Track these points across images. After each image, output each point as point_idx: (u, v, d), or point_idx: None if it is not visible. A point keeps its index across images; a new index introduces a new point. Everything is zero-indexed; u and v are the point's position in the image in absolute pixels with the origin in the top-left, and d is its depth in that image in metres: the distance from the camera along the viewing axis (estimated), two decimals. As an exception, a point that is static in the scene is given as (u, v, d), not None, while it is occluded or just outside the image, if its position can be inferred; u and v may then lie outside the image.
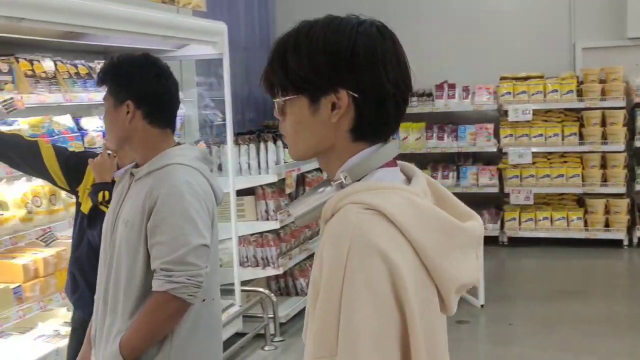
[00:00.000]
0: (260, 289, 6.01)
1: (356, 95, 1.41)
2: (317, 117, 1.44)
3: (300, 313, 6.47)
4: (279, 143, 6.19)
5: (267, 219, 5.96)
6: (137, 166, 2.67)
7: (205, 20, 5.52)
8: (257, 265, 6.01)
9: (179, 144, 2.68)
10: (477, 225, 1.49)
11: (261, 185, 5.96)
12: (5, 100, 3.87)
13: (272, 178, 5.96)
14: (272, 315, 5.87)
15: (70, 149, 3.87)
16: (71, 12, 3.93)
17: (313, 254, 6.98)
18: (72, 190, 3.42)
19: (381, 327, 1.29)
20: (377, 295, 1.28)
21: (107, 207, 2.84)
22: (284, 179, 6.10)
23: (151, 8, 5.01)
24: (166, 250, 2.42)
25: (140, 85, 2.54)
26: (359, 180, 1.43)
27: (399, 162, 1.54)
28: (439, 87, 9.05)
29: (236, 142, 6.00)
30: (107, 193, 3.07)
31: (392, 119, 1.47)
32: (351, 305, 1.28)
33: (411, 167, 1.55)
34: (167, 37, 5.02)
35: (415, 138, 9.21)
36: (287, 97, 1.46)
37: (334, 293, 1.30)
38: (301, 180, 6.70)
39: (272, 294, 5.96)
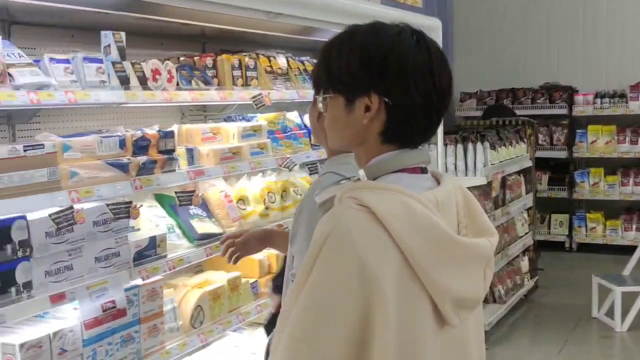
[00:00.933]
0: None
1: (387, 101, 1.48)
2: (351, 117, 1.53)
3: (501, 321, 6.20)
4: (486, 144, 5.96)
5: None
6: None
7: (422, 15, 5.39)
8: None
9: None
10: (485, 242, 1.50)
11: (468, 188, 5.74)
12: (255, 97, 3.88)
13: (480, 180, 5.75)
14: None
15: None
16: (324, 7, 3.89)
17: (512, 260, 6.69)
18: None
19: (328, 320, 1.35)
20: (336, 289, 1.35)
21: None
22: (490, 182, 5.87)
23: (374, 3, 4.92)
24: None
25: None
26: (375, 179, 1.50)
27: (433, 171, 1.59)
28: (634, 87, 8.50)
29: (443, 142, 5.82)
30: None
31: (422, 128, 1.52)
32: (311, 288, 1.37)
33: (444, 176, 1.59)
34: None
35: (605, 141, 8.72)
36: (327, 95, 1.57)
37: (304, 271, 1.39)
38: (502, 183, 6.44)
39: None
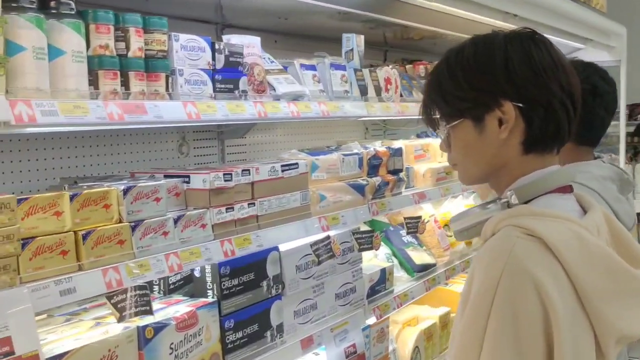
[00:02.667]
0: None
1: (521, 105, 1.38)
2: (485, 137, 1.42)
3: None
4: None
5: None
6: None
7: (608, 20, 4.89)
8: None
9: None
10: None
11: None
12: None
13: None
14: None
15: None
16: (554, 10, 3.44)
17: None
18: None
19: None
20: (523, 330, 1.24)
21: None
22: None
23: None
24: None
25: None
26: (527, 202, 1.38)
27: (576, 192, 1.46)
28: None
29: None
30: None
31: (563, 123, 1.40)
32: (495, 336, 1.25)
33: (588, 198, 1.46)
34: (570, 35, 4.43)
35: None
36: (452, 124, 1.44)
37: (480, 316, 1.27)
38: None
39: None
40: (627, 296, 1.32)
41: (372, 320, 2.88)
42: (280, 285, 2.39)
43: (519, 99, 1.38)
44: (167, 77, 1.95)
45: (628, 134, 7.56)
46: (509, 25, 3.31)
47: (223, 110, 2.05)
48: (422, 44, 4.25)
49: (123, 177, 2.11)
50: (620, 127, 4.93)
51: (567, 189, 1.42)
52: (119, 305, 1.74)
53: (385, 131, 4.30)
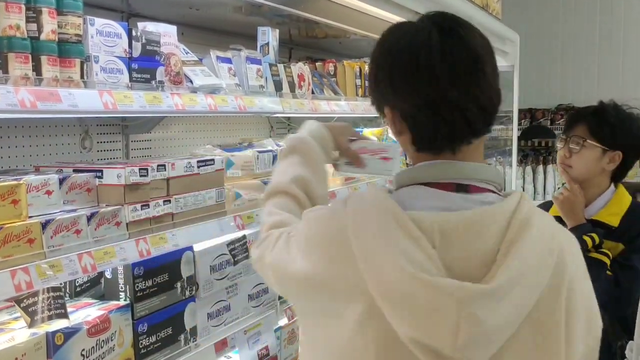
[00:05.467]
0: None
1: (396, 111, 1.35)
2: (393, 130, 1.41)
3: None
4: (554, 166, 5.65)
5: None
6: None
7: (502, 25, 5.05)
8: None
9: None
10: (465, 285, 1.17)
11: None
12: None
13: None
14: None
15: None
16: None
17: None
18: None
19: None
20: None
21: (600, 254, 2.43)
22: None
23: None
24: None
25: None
26: (397, 189, 1.36)
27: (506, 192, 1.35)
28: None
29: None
30: (595, 236, 2.53)
31: (442, 129, 1.31)
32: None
33: (496, 202, 1.30)
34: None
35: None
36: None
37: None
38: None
39: None
40: (422, 302, 1.24)
41: (283, 321, 2.82)
42: (194, 287, 2.29)
43: (394, 105, 1.35)
44: (81, 63, 1.80)
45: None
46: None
47: (140, 101, 1.93)
48: (327, 43, 4.23)
49: (28, 172, 1.95)
50: (513, 131, 5.10)
51: (448, 187, 1.32)
52: (29, 309, 1.59)
53: (289, 129, 4.24)
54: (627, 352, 2.32)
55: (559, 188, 2.69)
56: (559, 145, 2.65)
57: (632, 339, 2.48)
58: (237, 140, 3.33)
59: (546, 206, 2.75)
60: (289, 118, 4.16)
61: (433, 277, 1.17)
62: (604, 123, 2.55)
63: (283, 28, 3.52)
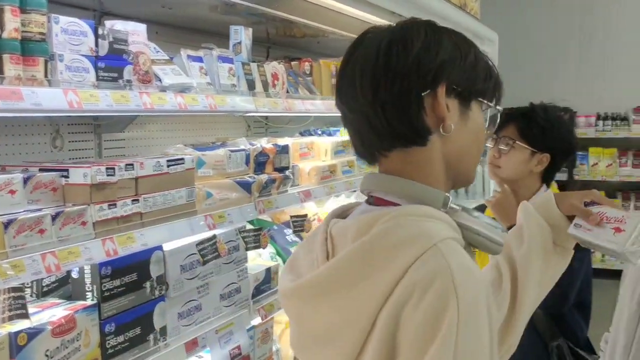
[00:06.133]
0: None
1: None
2: None
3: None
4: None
5: None
6: None
7: (481, 24, 5.07)
8: None
9: None
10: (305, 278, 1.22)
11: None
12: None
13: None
14: None
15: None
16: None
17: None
18: None
19: None
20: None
21: None
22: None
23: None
24: None
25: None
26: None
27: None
28: (637, 109, 8.43)
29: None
30: None
31: (354, 139, 1.31)
32: None
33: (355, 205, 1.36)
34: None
35: (606, 164, 8.61)
36: None
37: None
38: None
39: None
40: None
41: (257, 320, 2.81)
42: (164, 286, 2.27)
43: None
44: (45, 62, 1.79)
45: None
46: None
47: (107, 100, 1.92)
48: (305, 42, 4.23)
49: (-7, 170, 1.93)
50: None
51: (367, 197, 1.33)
52: (-11, 310, 1.58)
53: (267, 129, 4.24)
54: (601, 344, 2.33)
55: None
56: (488, 145, 2.61)
57: (568, 338, 2.51)
58: (213, 139, 3.32)
59: (481, 209, 2.78)
60: (266, 117, 4.16)
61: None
62: (533, 125, 2.54)
63: (260, 27, 3.51)
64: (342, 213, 1.35)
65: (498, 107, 1.35)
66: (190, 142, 3.03)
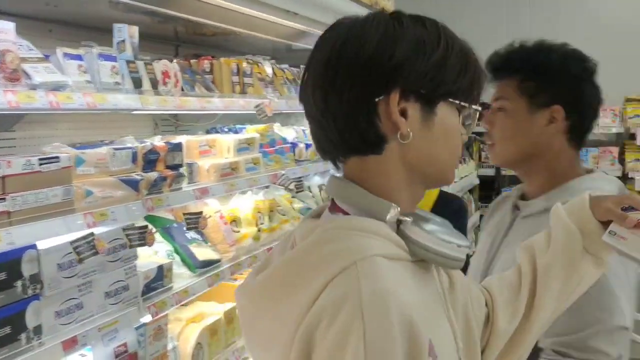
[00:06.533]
0: None
1: None
2: None
3: None
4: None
5: None
6: (522, 197, 2.21)
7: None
8: None
9: (590, 171, 2.13)
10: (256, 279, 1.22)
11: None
12: (257, 106, 3.48)
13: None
14: None
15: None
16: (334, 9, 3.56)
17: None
18: None
19: None
20: None
21: None
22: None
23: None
24: (565, 326, 1.80)
25: (574, 88, 1.99)
26: None
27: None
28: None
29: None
30: None
31: (314, 141, 1.29)
32: None
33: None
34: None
35: None
36: None
37: None
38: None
39: None
40: None
41: (148, 318, 2.82)
42: (38, 285, 2.26)
43: None
44: None
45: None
46: (289, 23, 3.38)
47: (-36, 99, 1.91)
48: (215, 40, 4.23)
49: None
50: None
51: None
52: None
53: (177, 127, 4.23)
54: None
55: None
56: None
57: None
58: (115, 138, 3.31)
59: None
60: (175, 115, 4.16)
61: None
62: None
63: (167, 26, 3.52)
64: (316, 212, 1.32)
65: (474, 107, 1.25)
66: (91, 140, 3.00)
